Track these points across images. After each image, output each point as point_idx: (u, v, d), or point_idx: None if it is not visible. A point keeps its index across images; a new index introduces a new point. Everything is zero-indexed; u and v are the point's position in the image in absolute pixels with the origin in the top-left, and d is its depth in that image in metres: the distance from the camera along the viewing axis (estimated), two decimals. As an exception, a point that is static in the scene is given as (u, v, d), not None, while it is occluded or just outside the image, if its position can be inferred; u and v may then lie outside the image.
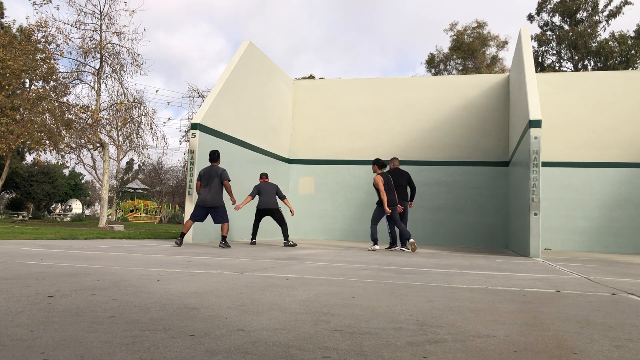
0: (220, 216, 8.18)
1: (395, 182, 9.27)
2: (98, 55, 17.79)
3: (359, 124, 14.10)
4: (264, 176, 9.81)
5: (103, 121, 18.01)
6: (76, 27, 17.84)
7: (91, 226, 17.78)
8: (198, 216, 8.22)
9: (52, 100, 17.32)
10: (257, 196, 9.63)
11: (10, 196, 38.40)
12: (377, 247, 8.78)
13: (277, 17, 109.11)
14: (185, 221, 8.53)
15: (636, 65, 30.59)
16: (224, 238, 8.05)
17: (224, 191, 8.26)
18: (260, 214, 9.64)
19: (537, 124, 8.55)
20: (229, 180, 8.24)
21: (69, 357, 1.57)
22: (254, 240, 9.71)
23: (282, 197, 9.67)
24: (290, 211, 9.78)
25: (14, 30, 24.27)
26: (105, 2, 18.14)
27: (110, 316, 2.20)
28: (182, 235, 8.00)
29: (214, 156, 8.34)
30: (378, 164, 9.05)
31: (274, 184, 9.77)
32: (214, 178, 8.15)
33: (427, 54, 52.94)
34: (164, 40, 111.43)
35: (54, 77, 17.95)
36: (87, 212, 50.60)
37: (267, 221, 13.27)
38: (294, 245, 9.31)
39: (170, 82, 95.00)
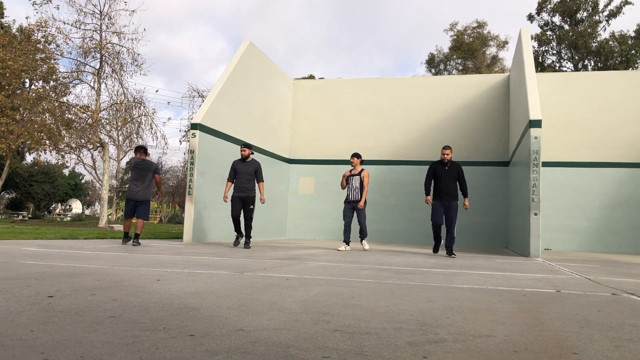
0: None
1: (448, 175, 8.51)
2: (98, 55, 17.81)
3: (359, 124, 14.09)
4: (245, 147, 8.36)
5: (103, 121, 18.01)
6: (76, 27, 17.87)
7: (91, 226, 17.78)
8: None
9: (52, 100, 17.32)
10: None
11: (10, 196, 38.41)
12: (349, 247, 8.50)
13: (277, 18, 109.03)
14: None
15: (636, 65, 30.58)
16: (136, 236, 7.90)
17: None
18: (237, 203, 8.20)
19: (537, 124, 8.54)
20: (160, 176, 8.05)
21: (69, 357, 1.57)
22: (240, 239, 8.49)
23: (260, 180, 8.28)
24: (261, 198, 8.37)
25: (14, 30, 24.25)
26: (105, 2, 18.15)
27: (110, 316, 2.20)
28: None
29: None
30: (361, 157, 8.77)
31: (256, 162, 8.40)
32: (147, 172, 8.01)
33: (427, 54, 52.98)
34: (166, 42, 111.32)
35: (54, 77, 17.95)
36: (87, 212, 50.57)
37: (268, 220, 13.17)
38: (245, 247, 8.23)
39: (171, 82, 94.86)
